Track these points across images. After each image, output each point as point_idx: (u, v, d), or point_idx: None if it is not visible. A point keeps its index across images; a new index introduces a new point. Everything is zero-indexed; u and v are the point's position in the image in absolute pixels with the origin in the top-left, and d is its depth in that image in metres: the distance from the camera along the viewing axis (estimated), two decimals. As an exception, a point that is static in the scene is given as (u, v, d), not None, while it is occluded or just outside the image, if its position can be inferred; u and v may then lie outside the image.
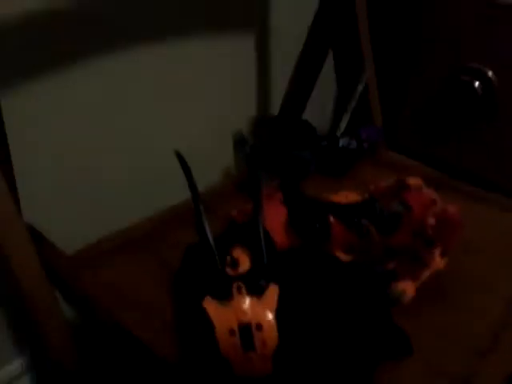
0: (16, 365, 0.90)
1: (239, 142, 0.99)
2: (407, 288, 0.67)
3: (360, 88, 0.99)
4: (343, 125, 0.96)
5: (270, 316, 0.52)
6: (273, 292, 0.53)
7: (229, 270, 0.55)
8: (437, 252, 0.71)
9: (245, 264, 0.55)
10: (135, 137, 0.92)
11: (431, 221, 0.71)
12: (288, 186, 0.65)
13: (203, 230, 0.56)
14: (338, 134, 0.95)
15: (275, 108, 1.15)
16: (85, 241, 0.79)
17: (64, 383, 0.78)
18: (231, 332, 0.51)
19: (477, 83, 1.15)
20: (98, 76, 0.81)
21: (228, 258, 0.56)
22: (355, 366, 0.57)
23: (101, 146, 0.87)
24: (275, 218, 0.61)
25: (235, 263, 0.55)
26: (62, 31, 0.74)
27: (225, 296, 0.53)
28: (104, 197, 0.90)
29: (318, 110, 1.25)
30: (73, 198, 0.85)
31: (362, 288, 0.61)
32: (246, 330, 0.51)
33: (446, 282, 0.71)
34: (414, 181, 0.79)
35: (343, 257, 0.62)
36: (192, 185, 0.58)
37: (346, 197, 0.76)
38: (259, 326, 0.51)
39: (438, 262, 0.70)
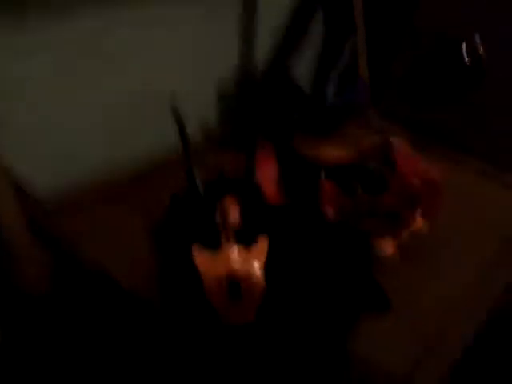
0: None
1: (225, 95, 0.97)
2: (386, 245, 0.69)
3: (348, 46, 0.98)
4: (331, 83, 0.96)
5: (258, 267, 0.52)
6: (262, 244, 0.53)
7: (218, 220, 0.55)
8: (418, 212, 0.72)
9: (234, 214, 0.55)
10: (116, 89, 0.89)
11: (415, 181, 0.72)
12: (280, 142, 0.64)
13: (192, 178, 0.56)
14: (327, 92, 0.94)
15: (258, 61, 1.13)
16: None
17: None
18: (219, 280, 0.52)
19: (464, 46, 1.15)
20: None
21: (218, 206, 0.56)
22: (336, 317, 0.58)
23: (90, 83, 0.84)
24: (267, 172, 0.61)
25: (225, 213, 0.55)
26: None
27: (214, 245, 0.53)
28: (88, 141, 0.88)
29: (304, 66, 1.24)
30: (52, 145, 0.82)
31: (345, 244, 0.62)
32: (234, 279, 0.52)
33: (426, 243, 0.72)
34: (398, 141, 0.80)
35: (331, 214, 0.63)
36: (184, 137, 0.57)
37: (333, 154, 0.76)
38: (247, 276, 0.52)
39: (419, 222, 0.72)
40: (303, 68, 1.13)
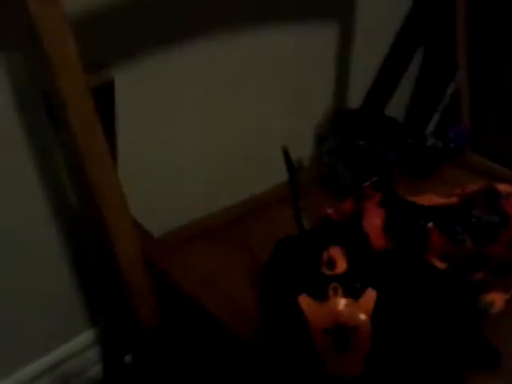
0: (87, 335, 0.94)
1: (321, 136, 0.99)
2: (496, 299, 0.66)
3: (452, 87, 0.96)
4: (433, 124, 0.94)
5: (367, 319, 0.52)
6: (370, 297, 0.53)
7: (325, 270, 0.55)
8: (531, 266, 0.69)
9: (341, 265, 0.56)
10: (223, 127, 0.93)
11: (528, 233, 0.68)
12: (385, 187, 0.64)
13: (302, 228, 0.57)
14: (427, 132, 0.93)
15: (353, 102, 1.13)
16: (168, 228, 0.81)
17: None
18: (326, 331, 0.52)
19: None
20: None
21: (325, 257, 0.56)
22: (443, 374, 0.56)
23: (191, 133, 0.88)
24: (373, 219, 0.61)
25: (332, 263, 0.55)
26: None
27: (320, 296, 0.53)
28: (190, 185, 0.92)
29: (398, 107, 1.23)
30: (157, 186, 0.87)
31: (454, 297, 0.60)
32: (342, 331, 0.52)
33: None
34: (504, 187, 0.76)
35: (438, 264, 0.61)
36: (293, 181, 0.58)
37: (431, 199, 0.74)
38: (355, 328, 0.52)
39: (533, 275, 0.68)
40: (401, 109, 1.13)
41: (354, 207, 0.58)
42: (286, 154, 0.58)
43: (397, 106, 1.14)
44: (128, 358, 0.98)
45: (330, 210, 0.63)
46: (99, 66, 0.58)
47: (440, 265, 0.61)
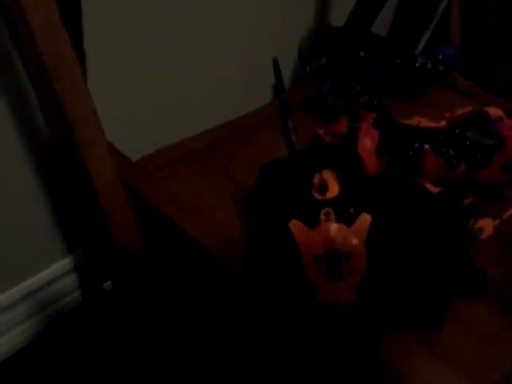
0: (65, 262, 0.92)
1: (305, 55, 0.93)
2: (486, 225, 0.65)
3: (443, 5, 0.91)
4: (422, 43, 0.89)
5: (360, 245, 0.49)
6: (364, 221, 0.50)
7: (316, 194, 0.52)
8: (524, 191, 0.67)
9: (333, 189, 0.52)
10: (200, 44, 0.87)
11: (523, 156, 0.66)
12: (378, 107, 0.60)
13: (293, 148, 0.53)
14: (416, 52, 0.88)
15: (337, 19, 1.07)
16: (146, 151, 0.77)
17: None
18: (317, 257, 0.50)
19: None
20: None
21: (316, 180, 0.53)
22: (431, 298, 0.56)
23: (167, 50, 0.81)
24: (366, 140, 0.57)
25: (324, 187, 0.52)
26: None
27: (312, 221, 0.50)
28: (170, 105, 0.86)
29: (385, 25, 1.17)
30: (138, 106, 0.81)
31: (446, 221, 0.59)
32: (334, 258, 0.49)
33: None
34: (494, 111, 0.74)
35: (431, 188, 0.59)
36: (283, 99, 0.54)
37: (420, 122, 0.71)
38: (348, 255, 0.49)
39: (524, 201, 0.67)
40: (388, 26, 1.07)
41: (349, 128, 0.54)
42: (275, 66, 0.53)
43: (384, 24, 1.08)
44: (107, 285, 0.97)
45: (321, 131, 0.59)
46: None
47: (434, 189, 0.59)
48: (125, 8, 0.73)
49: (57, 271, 0.91)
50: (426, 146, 0.58)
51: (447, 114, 0.75)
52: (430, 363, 0.54)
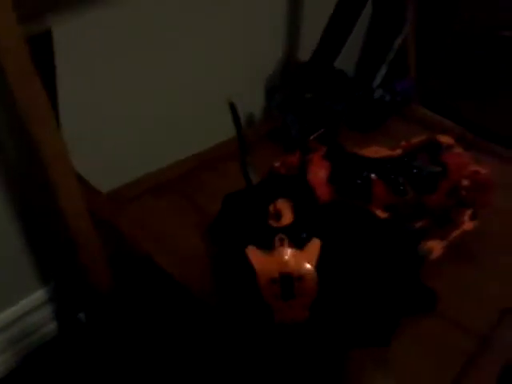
0: (38, 294, 0.93)
1: (271, 89, 0.98)
2: (434, 247, 0.69)
3: (399, 40, 0.97)
4: (379, 76, 0.95)
5: (311, 268, 0.54)
6: (314, 246, 0.54)
7: (272, 222, 0.57)
8: (467, 213, 0.72)
9: (287, 216, 0.57)
10: (170, 76, 0.91)
11: (465, 182, 0.72)
12: (330, 140, 0.65)
13: (249, 182, 0.57)
14: (374, 85, 0.94)
15: (303, 55, 1.13)
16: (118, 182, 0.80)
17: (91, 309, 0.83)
18: (273, 280, 0.54)
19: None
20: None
21: (271, 209, 0.57)
22: (382, 317, 0.59)
23: (137, 83, 0.86)
24: (318, 171, 0.62)
25: (279, 215, 0.57)
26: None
27: (267, 246, 0.55)
28: (141, 137, 0.90)
29: (347, 60, 1.23)
30: (110, 139, 0.85)
31: (395, 245, 0.63)
32: (287, 280, 0.53)
33: (474, 243, 0.72)
34: (445, 139, 0.79)
35: (380, 214, 0.63)
36: (240, 136, 0.58)
37: (376, 152, 0.76)
38: (300, 277, 0.53)
39: (468, 223, 0.72)
40: (349, 61, 1.13)
41: (300, 160, 0.58)
42: (232, 108, 0.58)
43: (346, 60, 1.13)
44: (82, 316, 0.99)
45: (276, 164, 0.64)
46: (36, 16, 0.55)
47: (382, 215, 0.64)
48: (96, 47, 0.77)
49: (31, 303, 0.92)
50: (373, 175, 0.63)
51: (403, 143, 0.80)
52: (380, 379, 0.58)
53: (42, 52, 0.55)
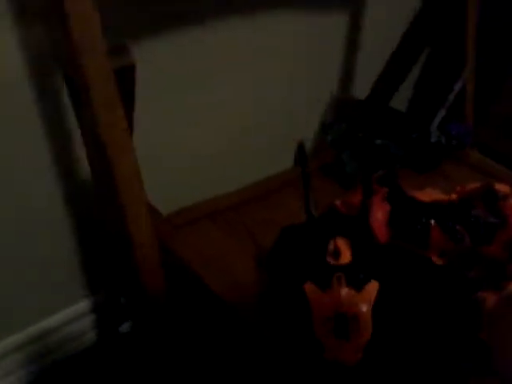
0: (84, 304, 0.97)
1: (327, 125, 1.00)
2: (488, 298, 0.68)
3: (459, 85, 0.98)
4: (437, 120, 0.96)
5: (367, 310, 0.54)
6: (372, 288, 0.55)
7: (330, 260, 0.58)
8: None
9: (346, 255, 0.58)
10: (232, 111, 0.95)
11: (524, 236, 0.71)
12: (391, 182, 0.66)
13: (312, 217, 0.59)
14: (432, 128, 0.95)
15: (359, 92, 1.15)
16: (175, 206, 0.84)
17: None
18: (328, 319, 0.55)
19: None
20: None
21: (331, 247, 0.58)
22: (437, 367, 0.59)
23: (197, 118, 0.90)
24: (378, 214, 0.63)
25: (337, 253, 0.58)
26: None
27: (325, 284, 0.56)
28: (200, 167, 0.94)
29: (402, 101, 1.24)
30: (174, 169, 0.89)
31: (453, 293, 0.63)
32: (342, 319, 0.54)
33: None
34: (502, 187, 0.79)
35: (436, 260, 0.64)
36: (305, 174, 0.60)
37: (431, 195, 0.76)
38: (355, 318, 0.54)
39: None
40: (405, 102, 1.14)
41: (363, 202, 0.60)
42: (300, 148, 0.60)
43: (401, 100, 1.15)
44: (124, 327, 1.01)
45: (338, 202, 0.66)
46: (122, 49, 0.59)
47: (438, 261, 0.64)
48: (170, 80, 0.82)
49: (75, 312, 0.95)
50: (432, 221, 0.64)
51: (458, 188, 0.80)
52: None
53: (125, 83, 0.58)
